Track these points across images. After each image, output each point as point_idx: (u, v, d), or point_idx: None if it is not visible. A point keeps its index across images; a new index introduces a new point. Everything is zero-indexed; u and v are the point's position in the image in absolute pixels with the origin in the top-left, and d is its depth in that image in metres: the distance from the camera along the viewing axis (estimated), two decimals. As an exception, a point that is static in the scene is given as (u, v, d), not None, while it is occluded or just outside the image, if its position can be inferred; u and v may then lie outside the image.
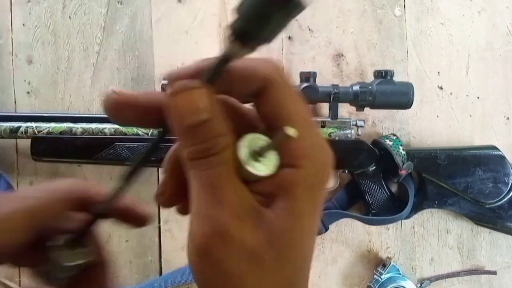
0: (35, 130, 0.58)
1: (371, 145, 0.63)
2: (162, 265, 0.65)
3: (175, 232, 0.65)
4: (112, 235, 0.65)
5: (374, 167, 0.63)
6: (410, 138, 0.68)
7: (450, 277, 0.68)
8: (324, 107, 0.64)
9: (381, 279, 0.64)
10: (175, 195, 0.28)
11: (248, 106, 0.26)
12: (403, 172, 0.61)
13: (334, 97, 0.59)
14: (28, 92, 0.65)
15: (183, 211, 0.28)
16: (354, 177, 0.64)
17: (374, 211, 0.64)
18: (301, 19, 0.67)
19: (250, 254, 0.23)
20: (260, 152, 0.23)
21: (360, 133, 0.62)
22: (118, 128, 0.59)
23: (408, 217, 0.64)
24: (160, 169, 0.65)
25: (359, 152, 0.62)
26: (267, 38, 0.23)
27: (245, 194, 0.23)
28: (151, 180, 0.65)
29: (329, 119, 0.61)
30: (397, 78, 0.61)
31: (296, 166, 0.23)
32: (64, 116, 0.60)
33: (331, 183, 0.64)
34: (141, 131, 0.59)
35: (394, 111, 0.67)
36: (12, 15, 0.65)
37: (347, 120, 0.62)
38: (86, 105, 0.65)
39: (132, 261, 0.65)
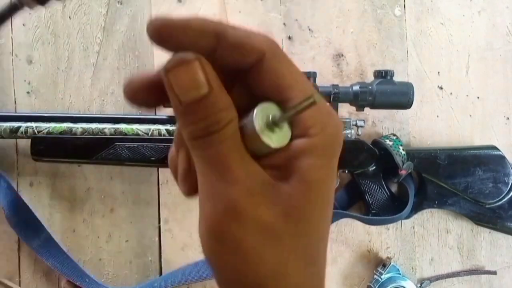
0: (35, 130, 0.58)
1: (371, 145, 0.63)
2: (162, 265, 0.65)
3: (175, 232, 0.65)
4: (112, 235, 0.65)
5: (374, 167, 0.63)
6: (410, 138, 0.68)
7: (450, 277, 0.68)
8: (324, 107, 0.64)
9: (381, 279, 0.64)
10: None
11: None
12: (403, 172, 0.61)
13: (334, 97, 0.59)
14: (28, 92, 0.65)
15: (192, 191, 0.26)
16: (354, 177, 0.64)
17: (374, 211, 0.64)
18: (301, 19, 0.67)
19: (267, 230, 0.22)
20: (276, 121, 0.22)
21: (360, 133, 0.62)
22: (118, 128, 0.59)
23: (408, 217, 0.64)
24: (160, 169, 0.65)
25: (359, 152, 0.62)
26: None
27: (256, 169, 0.23)
28: (151, 180, 0.65)
29: (329, 119, 0.61)
30: (397, 78, 0.61)
31: (308, 136, 0.23)
32: (64, 116, 0.60)
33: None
34: (141, 131, 0.59)
35: (394, 111, 0.67)
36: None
37: (347, 120, 0.62)
38: (86, 105, 0.65)
39: (132, 261, 0.65)
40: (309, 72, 0.59)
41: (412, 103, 0.60)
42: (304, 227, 0.23)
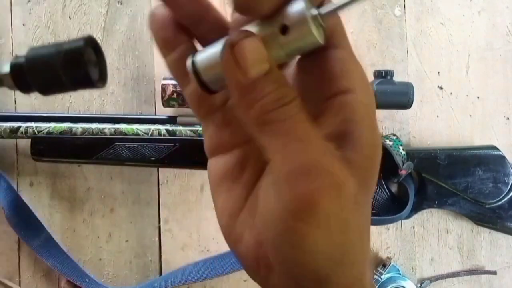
0: (35, 130, 0.58)
1: (371, 145, 0.63)
2: (162, 265, 0.65)
3: (175, 232, 0.65)
4: (112, 235, 0.65)
5: (374, 167, 0.63)
6: (410, 138, 0.68)
7: (450, 277, 0.68)
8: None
9: (381, 279, 0.64)
10: None
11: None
12: (403, 172, 0.61)
13: (334, 97, 0.59)
14: (28, 92, 0.65)
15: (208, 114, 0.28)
16: (354, 177, 0.64)
17: (374, 211, 0.64)
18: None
19: (352, 197, 0.22)
20: (322, 15, 0.22)
21: (360, 133, 0.62)
22: (118, 128, 0.59)
23: (408, 217, 0.64)
24: (160, 169, 0.65)
25: (359, 152, 0.61)
26: (41, 89, 0.24)
27: (323, 140, 0.22)
28: (151, 180, 0.65)
29: (329, 119, 0.61)
30: (397, 78, 0.61)
31: (353, 90, 0.23)
32: (64, 116, 0.60)
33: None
34: (141, 131, 0.59)
35: (394, 111, 0.67)
36: (12, 15, 0.65)
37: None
38: (86, 105, 0.65)
39: (132, 261, 0.65)
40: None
41: (412, 103, 0.60)
42: (370, 190, 0.24)
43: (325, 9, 0.22)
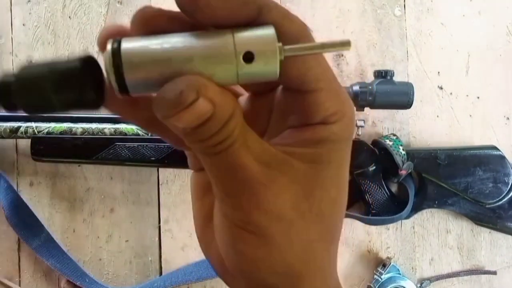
0: (35, 130, 0.58)
1: (371, 145, 0.63)
2: (162, 265, 0.65)
3: (175, 232, 0.65)
4: (112, 235, 0.65)
5: (374, 167, 0.63)
6: (410, 138, 0.68)
7: (450, 277, 0.68)
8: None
9: (381, 279, 0.64)
10: None
11: None
12: (403, 172, 0.61)
13: (334, 97, 0.59)
14: (28, 92, 0.65)
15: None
16: (354, 177, 0.64)
17: (374, 211, 0.64)
18: (301, 19, 0.67)
19: (287, 214, 0.22)
20: (288, 50, 0.20)
21: (360, 133, 0.62)
22: (118, 128, 0.59)
23: (408, 217, 0.64)
24: (160, 169, 0.65)
25: (359, 152, 0.62)
26: (28, 108, 0.21)
27: (266, 147, 0.23)
28: (151, 180, 0.65)
29: (329, 119, 0.61)
30: (397, 78, 0.61)
31: (330, 123, 0.23)
32: (64, 116, 0.60)
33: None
34: (141, 131, 0.59)
35: (394, 111, 0.67)
36: (12, 15, 0.65)
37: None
38: (86, 105, 0.65)
39: (132, 261, 0.65)
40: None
41: (412, 103, 0.60)
42: (326, 207, 0.24)
43: (291, 47, 0.20)
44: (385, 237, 0.67)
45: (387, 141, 0.62)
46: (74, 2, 0.66)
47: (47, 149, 0.58)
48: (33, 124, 0.58)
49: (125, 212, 0.65)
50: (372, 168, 0.63)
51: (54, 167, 0.64)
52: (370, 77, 0.64)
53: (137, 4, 0.66)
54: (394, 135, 0.64)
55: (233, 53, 0.19)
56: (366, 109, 0.61)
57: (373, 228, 0.67)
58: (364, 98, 0.59)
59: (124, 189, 0.65)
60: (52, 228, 0.63)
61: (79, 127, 0.59)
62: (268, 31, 0.20)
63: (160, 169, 0.65)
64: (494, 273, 0.68)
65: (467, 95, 0.69)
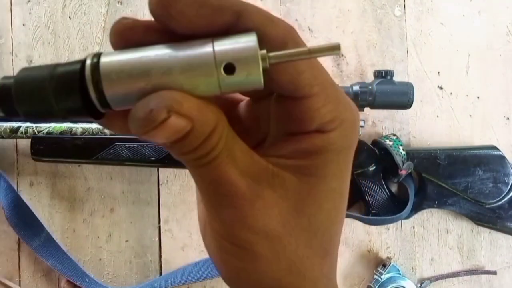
0: (35, 130, 0.58)
1: (371, 145, 0.63)
2: (162, 265, 0.65)
3: (175, 232, 0.65)
4: (112, 235, 0.65)
5: (374, 167, 0.63)
6: (410, 138, 0.68)
7: (450, 277, 0.68)
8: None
9: (381, 279, 0.64)
10: None
11: None
12: (403, 172, 0.61)
13: (334, 97, 0.59)
14: (28, 92, 0.65)
15: None
16: (354, 177, 0.64)
17: (374, 211, 0.64)
18: (301, 19, 0.67)
19: (276, 229, 0.22)
20: (272, 57, 0.19)
21: (360, 133, 0.62)
22: (118, 128, 0.59)
23: (408, 217, 0.64)
24: (160, 169, 0.65)
25: (359, 152, 0.62)
26: (29, 118, 0.20)
27: (256, 159, 0.22)
28: (151, 180, 0.65)
29: (329, 119, 0.61)
30: (397, 78, 0.61)
31: (325, 131, 0.22)
32: (64, 116, 0.60)
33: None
34: (141, 131, 0.59)
35: (394, 111, 0.67)
36: (12, 15, 0.65)
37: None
38: (86, 105, 0.65)
39: (132, 261, 0.65)
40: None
41: (412, 103, 0.60)
42: (318, 221, 0.23)
43: (276, 54, 0.19)
44: (385, 237, 0.67)
45: (387, 141, 0.62)
46: (74, 2, 0.66)
47: (47, 149, 0.58)
48: (33, 124, 0.58)
49: (125, 212, 0.65)
50: (372, 168, 0.63)
51: (54, 167, 0.64)
52: (370, 77, 0.64)
53: (137, 4, 0.66)
54: (394, 135, 0.64)
55: (213, 65, 0.19)
56: (366, 109, 0.61)
57: (373, 228, 0.67)
58: (364, 98, 0.59)
59: (124, 189, 0.65)
60: (52, 228, 0.63)
61: (79, 127, 0.59)
62: (249, 39, 0.19)
63: (160, 169, 0.65)
64: (494, 273, 0.68)
65: (467, 95, 0.69)
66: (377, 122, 0.68)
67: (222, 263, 0.24)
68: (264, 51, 0.19)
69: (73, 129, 0.58)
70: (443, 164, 0.63)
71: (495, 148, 0.65)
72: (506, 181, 0.63)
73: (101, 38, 0.66)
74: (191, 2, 0.19)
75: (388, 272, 0.64)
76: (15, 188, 0.63)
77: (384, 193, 0.64)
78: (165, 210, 0.65)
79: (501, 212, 0.64)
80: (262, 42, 0.19)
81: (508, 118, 0.69)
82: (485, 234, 0.69)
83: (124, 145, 0.58)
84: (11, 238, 0.63)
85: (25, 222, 0.62)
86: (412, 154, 0.63)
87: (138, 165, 0.60)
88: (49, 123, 0.20)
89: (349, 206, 0.67)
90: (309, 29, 0.67)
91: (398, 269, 0.65)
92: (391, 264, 0.65)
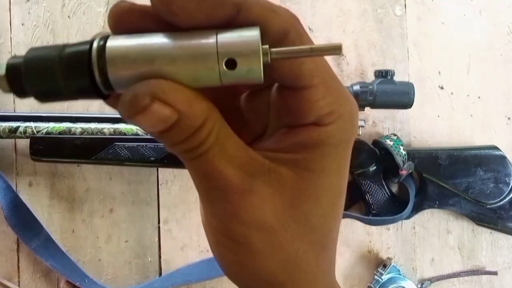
0: (34, 130, 0.58)
1: (371, 145, 0.63)
2: (162, 266, 0.65)
3: (175, 232, 0.65)
4: (112, 235, 0.65)
5: (375, 167, 0.63)
6: (411, 138, 0.68)
7: (451, 277, 0.67)
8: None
9: (382, 279, 0.64)
10: None
11: None
12: (403, 172, 0.61)
13: (335, 97, 0.59)
14: (27, 92, 0.65)
15: None
16: (354, 177, 0.64)
17: (374, 211, 0.64)
18: (301, 18, 0.67)
19: (270, 224, 0.22)
20: (274, 53, 0.20)
21: (360, 133, 0.62)
22: (117, 128, 0.58)
23: (408, 217, 0.64)
24: (160, 169, 0.65)
25: (360, 152, 0.61)
26: (38, 97, 0.21)
27: (252, 155, 0.22)
28: (151, 181, 0.65)
29: (330, 119, 0.61)
30: (397, 78, 0.61)
31: (322, 124, 0.22)
32: (63, 116, 0.60)
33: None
34: (140, 131, 0.58)
35: (395, 111, 0.67)
36: (11, 14, 0.65)
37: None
38: (85, 105, 0.65)
39: (132, 262, 0.65)
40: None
41: (412, 103, 0.59)
42: (314, 217, 0.22)
43: (278, 50, 0.20)
44: (385, 238, 0.67)
45: (388, 141, 0.62)
46: (73, 1, 0.65)
47: (46, 149, 0.58)
48: (32, 124, 0.58)
49: (125, 212, 0.65)
50: (372, 168, 0.63)
51: (53, 167, 0.64)
52: (370, 77, 0.64)
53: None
54: (395, 135, 0.64)
55: (215, 60, 0.19)
56: (367, 109, 0.61)
57: (373, 229, 0.67)
58: (364, 98, 0.59)
59: (123, 189, 0.65)
60: (51, 229, 0.63)
61: (78, 127, 0.58)
62: (252, 34, 0.19)
63: (160, 169, 0.65)
64: (495, 273, 0.68)
65: (468, 95, 0.69)
66: (377, 122, 0.67)
67: (221, 257, 0.24)
68: (266, 46, 0.19)
69: (72, 129, 0.58)
70: (444, 164, 0.63)
71: (496, 148, 0.64)
72: (507, 181, 0.63)
73: (101, 37, 0.65)
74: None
75: (388, 273, 0.64)
76: (14, 188, 0.63)
77: (384, 193, 0.64)
78: (165, 210, 0.65)
79: (502, 212, 0.64)
80: (264, 33, 0.20)
81: (509, 118, 0.69)
82: (486, 235, 0.68)
83: (124, 145, 0.58)
84: (10, 238, 0.63)
85: (24, 223, 0.61)
86: (413, 154, 0.63)
87: (138, 165, 0.60)
88: (57, 101, 0.20)
89: (350, 206, 0.67)
90: (309, 29, 0.67)
91: (399, 270, 0.65)
92: (392, 264, 0.64)
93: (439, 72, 0.69)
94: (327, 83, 0.22)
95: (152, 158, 0.58)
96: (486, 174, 0.63)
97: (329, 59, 0.67)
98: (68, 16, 0.65)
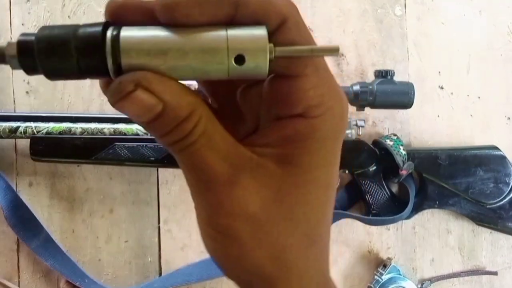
0: (34, 130, 0.58)
1: (371, 145, 0.63)
2: (162, 266, 0.65)
3: (175, 232, 0.65)
4: (112, 235, 0.65)
5: (375, 167, 0.63)
6: (411, 138, 0.68)
7: (451, 277, 0.67)
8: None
9: (382, 279, 0.64)
10: None
11: None
12: (403, 172, 0.61)
13: (335, 97, 0.59)
14: (27, 92, 0.65)
15: None
16: (355, 177, 0.64)
17: (374, 212, 0.64)
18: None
19: (255, 217, 0.22)
20: (279, 51, 0.21)
21: (360, 133, 0.62)
22: (117, 128, 0.58)
23: (408, 217, 0.64)
24: (160, 169, 0.65)
25: (360, 152, 0.61)
26: (48, 73, 0.21)
27: (239, 150, 0.22)
28: (151, 181, 0.65)
29: (330, 119, 0.61)
30: (397, 78, 0.61)
31: (310, 116, 0.22)
32: (63, 116, 0.60)
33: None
34: (140, 131, 0.58)
35: (395, 111, 0.67)
36: (11, 14, 0.65)
37: (348, 120, 0.62)
38: (85, 105, 0.65)
39: (132, 262, 0.65)
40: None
41: (412, 103, 0.60)
42: (300, 211, 0.23)
43: (282, 49, 0.21)
44: (385, 238, 0.67)
45: (388, 141, 0.62)
46: (73, 1, 0.65)
47: (46, 149, 0.58)
48: (32, 124, 0.58)
49: (125, 212, 0.65)
50: (372, 168, 0.63)
51: (53, 167, 0.64)
52: (370, 77, 0.64)
53: (137, 4, 0.66)
54: (395, 135, 0.64)
55: (225, 56, 0.20)
56: (367, 109, 0.61)
57: (373, 229, 0.67)
58: (364, 98, 0.59)
59: (123, 189, 0.65)
60: (51, 229, 0.63)
61: (78, 127, 0.58)
62: (260, 32, 0.20)
63: (160, 169, 0.65)
64: (495, 273, 0.68)
65: (468, 95, 0.69)
66: (377, 122, 0.67)
67: (211, 250, 0.24)
68: (271, 45, 0.21)
69: (72, 129, 0.58)
70: (443, 164, 0.63)
71: (496, 148, 0.64)
72: (507, 181, 0.63)
73: (101, 37, 0.65)
74: (193, 3, 0.20)
75: (388, 273, 0.64)
76: (14, 188, 0.63)
77: (384, 193, 0.64)
78: (165, 211, 0.65)
79: (502, 212, 0.64)
80: (263, 25, 0.21)
81: (509, 118, 0.69)
82: (486, 235, 0.68)
83: (124, 145, 0.58)
84: (10, 238, 0.63)
85: (24, 223, 0.61)
86: (413, 154, 0.63)
87: (138, 165, 0.60)
88: (65, 79, 0.21)
89: (350, 206, 0.67)
90: (309, 29, 0.67)
91: (399, 270, 0.65)
92: (392, 264, 0.64)
93: (439, 72, 0.69)
94: (319, 73, 0.22)
95: (152, 158, 0.58)
96: (486, 174, 0.63)
97: (329, 59, 0.67)
98: (68, 16, 0.65)
